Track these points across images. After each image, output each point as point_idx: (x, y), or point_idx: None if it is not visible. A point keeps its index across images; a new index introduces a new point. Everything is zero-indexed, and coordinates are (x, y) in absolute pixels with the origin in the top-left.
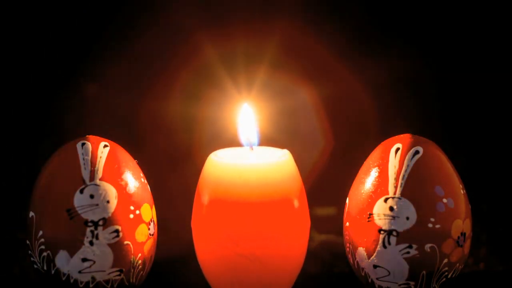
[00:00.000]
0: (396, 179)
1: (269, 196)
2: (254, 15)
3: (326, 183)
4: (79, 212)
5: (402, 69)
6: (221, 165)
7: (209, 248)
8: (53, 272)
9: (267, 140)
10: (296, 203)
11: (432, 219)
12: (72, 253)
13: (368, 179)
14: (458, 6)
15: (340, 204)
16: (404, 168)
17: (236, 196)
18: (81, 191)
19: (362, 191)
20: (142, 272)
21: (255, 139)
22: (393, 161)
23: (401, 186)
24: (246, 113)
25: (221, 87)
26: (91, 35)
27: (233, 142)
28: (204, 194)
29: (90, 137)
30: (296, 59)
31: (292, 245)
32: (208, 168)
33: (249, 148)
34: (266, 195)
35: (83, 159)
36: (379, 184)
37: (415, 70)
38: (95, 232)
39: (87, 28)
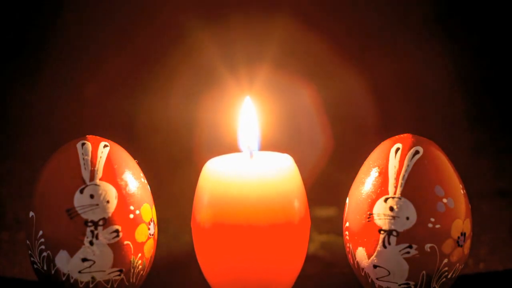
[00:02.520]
0: (396, 179)
1: (270, 207)
2: (254, 14)
3: (326, 183)
4: (79, 212)
5: (402, 69)
6: (218, 177)
7: (209, 248)
8: (53, 272)
9: (267, 141)
10: (297, 210)
11: (432, 219)
12: (72, 253)
13: (368, 179)
14: (458, 6)
15: (340, 204)
16: (404, 168)
17: (236, 207)
18: (81, 191)
19: (362, 191)
20: (142, 272)
21: (255, 144)
22: (393, 161)
23: (401, 186)
24: (247, 112)
25: (221, 87)
26: (91, 35)
27: (233, 143)
28: (201, 204)
29: (90, 137)
30: (296, 59)
31: (292, 248)
32: (204, 179)
33: (249, 156)
34: (267, 207)
35: (83, 159)
36: (379, 184)
37: (415, 70)
38: (95, 232)
39: (86, 29)
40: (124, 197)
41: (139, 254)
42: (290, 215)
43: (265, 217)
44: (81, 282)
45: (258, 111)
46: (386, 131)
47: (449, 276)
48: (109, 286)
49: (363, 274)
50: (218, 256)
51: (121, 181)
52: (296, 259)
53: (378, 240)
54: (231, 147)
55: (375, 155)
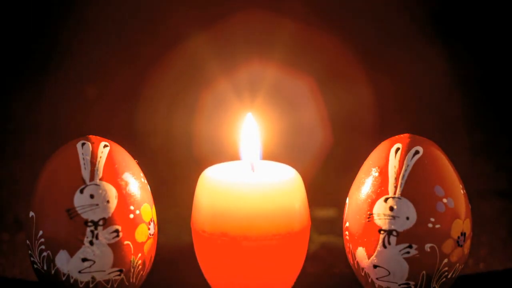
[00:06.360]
0: (396, 179)
1: (271, 219)
2: (256, 26)
3: (326, 183)
4: (79, 212)
5: (402, 70)
6: (218, 187)
7: (209, 253)
8: (53, 272)
9: (268, 151)
10: (299, 222)
11: (432, 219)
12: (72, 253)
13: (368, 179)
14: (458, 7)
15: (340, 205)
16: (404, 168)
17: (237, 218)
18: (81, 191)
19: (362, 191)
20: (142, 272)
21: (257, 157)
22: (393, 161)
23: (401, 186)
24: (248, 127)
25: (221, 89)
26: (94, 38)
27: (234, 145)
28: (200, 211)
29: (90, 137)
30: (296, 62)
31: (292, 250)
32: (202, 187)
33: (251, 169)
34: (268, 219)
35: (83, 159)
36: (379, 184)
37: (415, 70)
38: (95, 232)
39: (89, 32)
40: (124, 197)
41: (139, 254)
42: (292, 227)
43: (266, 228)
44: (81, 282)
45: (259, 114)
46: (386, 131)
47: (449, 276)
48: (109, 286)
49: (363, 274)
50: (217, 262)
51: (121, 181)
52: (296, 265)
53: (378, 240)
54: (232, 154)
55: (375, 155)
